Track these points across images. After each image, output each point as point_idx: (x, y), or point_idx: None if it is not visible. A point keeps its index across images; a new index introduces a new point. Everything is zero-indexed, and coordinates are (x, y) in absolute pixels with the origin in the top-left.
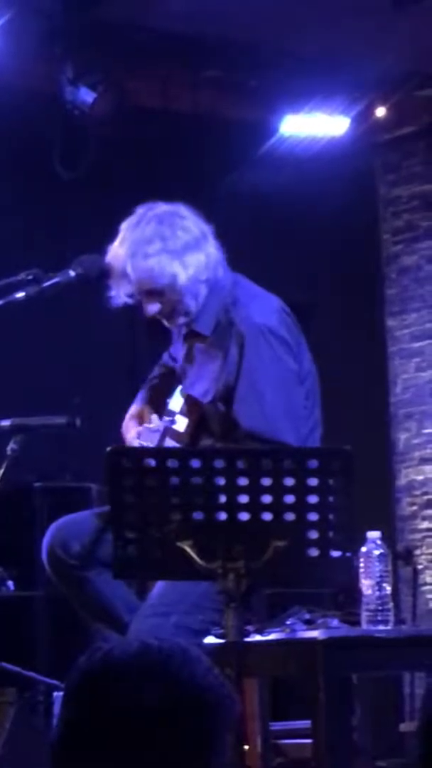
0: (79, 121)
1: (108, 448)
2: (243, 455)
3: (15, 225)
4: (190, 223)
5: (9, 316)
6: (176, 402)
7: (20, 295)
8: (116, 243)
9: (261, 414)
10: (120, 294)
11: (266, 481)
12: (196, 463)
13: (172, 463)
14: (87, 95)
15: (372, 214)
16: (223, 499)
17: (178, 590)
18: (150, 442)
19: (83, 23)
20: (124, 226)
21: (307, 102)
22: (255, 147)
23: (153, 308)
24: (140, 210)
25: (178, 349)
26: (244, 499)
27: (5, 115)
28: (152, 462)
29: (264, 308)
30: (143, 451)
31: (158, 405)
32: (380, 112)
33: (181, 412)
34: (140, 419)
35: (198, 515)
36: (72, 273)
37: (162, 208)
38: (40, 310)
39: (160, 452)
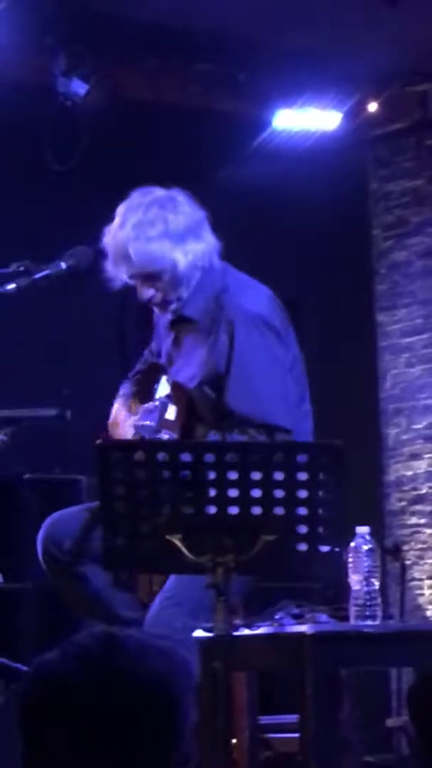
0: (71, 112)
1: (98, 441)
2: (233, 449)
3: (5, 216)
4: (188, 208)
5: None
6: (163, 390)
7: (11, 286)
8: (115, 226)
9: (253, 398)
10: (119, 276)
11: (256, 476)
12: (186, 457)
13: (161, 456)
14: (79, 87)
15: (363, 210)
16: (212, 492)
17: (191, 583)
18: (151, 422)
19: (75, 15)
20: (122, 210)
21: (300, 96)
22: (247, 141)
23: (148, 293)
24: (136, 194)
25: (163, 340)
26: (233, 492)
27: None
28: (142, 455)
29: (255, 296)
30: (133, 444)
31: (143, 398)
32: (372, 107)
33: (170, 400)
34: (129, 410)
35: (187, 509)
36: (63, 265)
37: (159, 192)
38: (30, 302)
39: (150, 445)
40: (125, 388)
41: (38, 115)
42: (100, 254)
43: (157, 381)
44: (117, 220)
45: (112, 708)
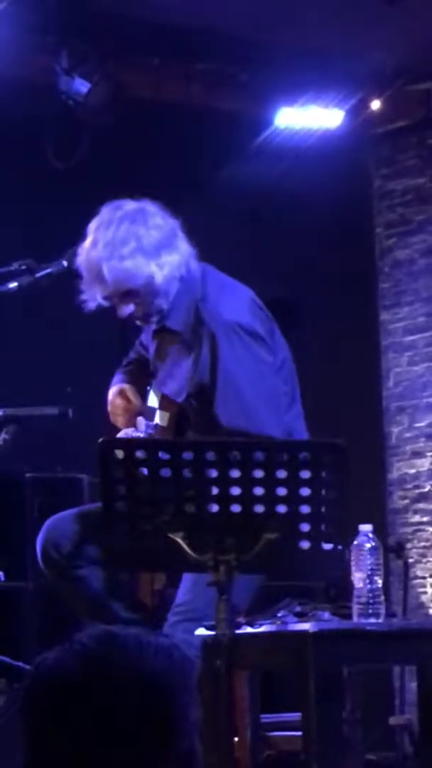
0: (73, 111)
1: (100, 440)
2: (236, 447)
3: (8, 215)
4: (160, 220)
5: (1, 306)
6: (153, 401)
7: (13, 285)
8: (87, 245)
9: (241, 411)
10: (94, 297)
11: (258, 473)
12: (188, 455)
13: (163, 454)
14: (82, 85)
15: (366, 208)
16: (215, 491)
17: (206, 594)
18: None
19: (78, 14)
20: (93, 227)
21: (302, 95)
22: (249, 139)
23: (127, 309)
24: (106, 210)
25: (149, 340)
26: (236, 491)
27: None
28: (144, 454)
29: (234, 303)
30: (135, 443)
31: (137, 389)
32: (375, 105)
33: (161, 407)
34: (125, 399)
35: (190, 507)
36: (65, 263)
37: (129, 206)
38: (32, 301)
39: (152, 444)
40: (118, 378)
41: (40, 113)
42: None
43: (148, 383)
44: (88, 240)
45: (111, 707)
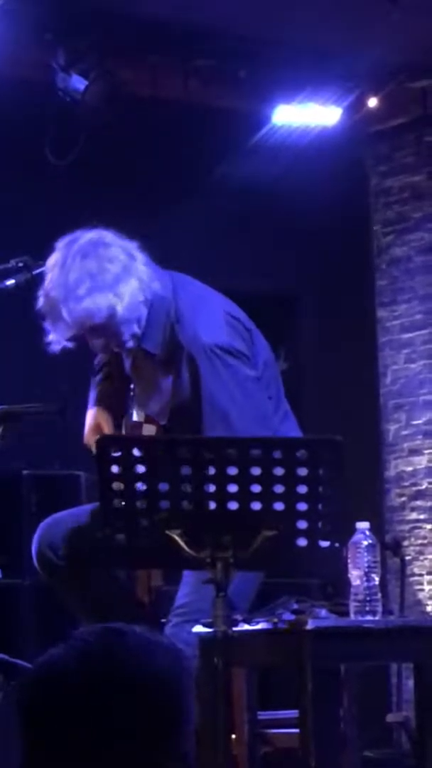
0: (70, 108)
1: (97, 437)
2: (233, 444)
3: (5, 212)
4: (115, 250)
5: None
6: (136, 413)
7: (10, 282)
8: (45, 287)
9: (230, 435)
10: (59, 339)
11: (256, 471)
12: (185, 453)
13: (161, 452)
14: (79, 83)
15: (363, 205)
16: (212, 488)
17: (207, 595)
18: None
19: (75, 11)
20: (50, 266)
21: (299, 92)
22: (247, 136)
23: (98, 343)
24: (61, 245)
25: (123, 355)
26: (233, 488)
27: None
28: (141, 451)
29: (210, 322)
30: (133, 440)
31: (115, 409)
32: (372, 102)
33: (146, 422)
34: (99, 431)
35: (187, 504)
36: None
37: (83, 239)
38: (29, 298)
39: (149, 441)
40: (92, 399)
41: (37, 110)
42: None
43: (127, 396)
44: (46, 282)
45: (113, 705)
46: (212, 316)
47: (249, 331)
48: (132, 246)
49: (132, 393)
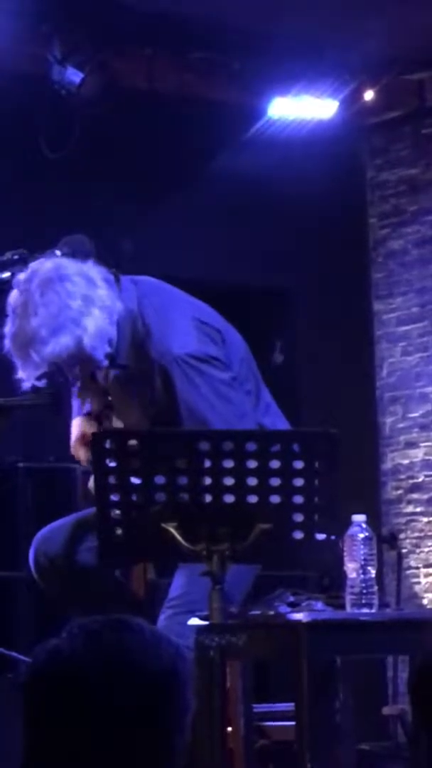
0: (66, 101)
1: (93, 431)
2: (229, 437)
3: (0, 205)
4: (73, 282)
5: None
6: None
7: (6, 275)
8: (10, 331)
9: None
10: (30, 379)
11: (252, 464)
12: (181, 445)
13: (157, 445)
14: (74, 75)
15: (359, 198)
16: (208, 481)
17: (201, 587)
18: None
19: (71, 3)
20: (12, 307)
21: (295, 85)
22: (242, 130)
23: (75, 371)
24: (20, 284)
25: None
26: (229, 481)
27: None
28: (137, 444)
29: (178, 331)
30: (128, 433)
31: (97, 414)
32: (368, 95)
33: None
34: (86, 440)
35: (183, 497)
36: (58, 253)
37: (40, 275)
38: None
39: (145, 434)
40: (76, 400)
41: (33, 103)
42: (96, 242)
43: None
44: (8, 325)
45: (121, 692)
46: (180, 325)
47: (219, 332)
48: (89, 267)
49: (111, 403)
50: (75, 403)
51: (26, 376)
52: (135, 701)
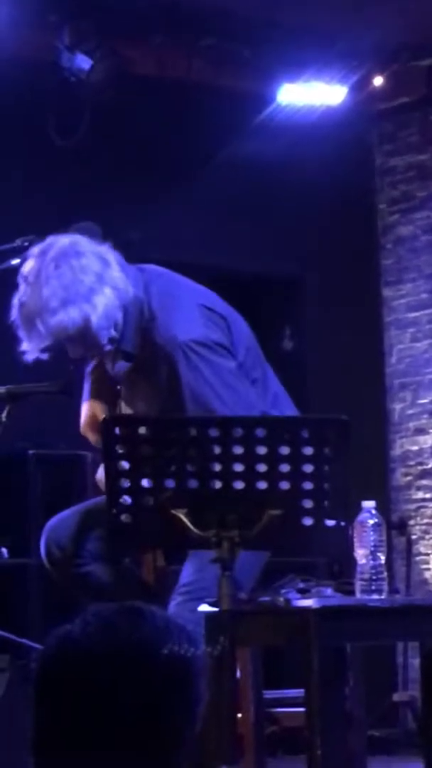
0: (75, 87)
1: (103, 417)
2: (238, 424)
3: (10, 191)
4: (87, 259)
5: (4, 282)
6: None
7: (16, 261)
8: (19, 299)
9: None
10: (34, 349)
11: (261, 450)
12: (191, 432)
13: (166, 431)
14: (84, 62)
15: (368, 184)
16: (217, 467)
17: (211, 574)
18: None
19: None
20: (24, 276)
21: (304, 71)
22: (252, 116)
23: (77, 351)
24: (33, 256)
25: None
26: (239, 467)
27: (1, 81)
28: (147, 430)
29: (184, 318)
30: (138, 420)
31: (108, 397)
32: (377, 81)
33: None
34: (96, 422)
35: (193, 483)
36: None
37: (56, 248)
38: None
39: (155, 421)
40: (87, 392)
41: (42, 90)
42: (104, 229)
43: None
44: (19, 293)
45: (133, 679)
46: (186, 311)
47: (225, 319)
48: (105, 250)
49: (120, 389)
50: (85, 385)
51: (29, 348)
52: (148, 688)
